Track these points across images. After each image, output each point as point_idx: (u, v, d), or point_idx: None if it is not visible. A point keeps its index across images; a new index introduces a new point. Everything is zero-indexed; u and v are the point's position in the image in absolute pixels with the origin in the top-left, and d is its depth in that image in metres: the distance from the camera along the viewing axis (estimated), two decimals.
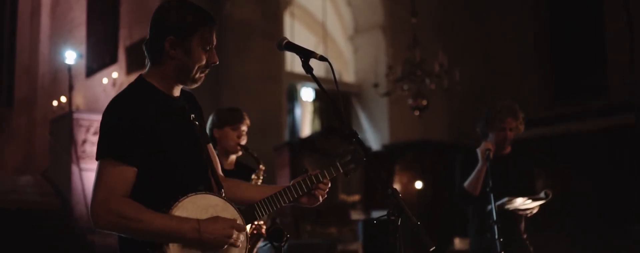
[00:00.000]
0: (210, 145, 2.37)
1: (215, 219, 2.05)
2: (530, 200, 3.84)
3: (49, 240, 8.27)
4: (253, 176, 3.72)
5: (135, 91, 2.13)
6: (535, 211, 3.97)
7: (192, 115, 2.23)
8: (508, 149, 4.19)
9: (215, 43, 2.19)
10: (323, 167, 2.39)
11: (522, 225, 4.08)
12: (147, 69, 2.20)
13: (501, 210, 3.77)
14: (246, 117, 3.73)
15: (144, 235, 1.99)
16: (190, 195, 2.05)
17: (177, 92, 2.22)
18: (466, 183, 4.03)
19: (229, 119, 3.68)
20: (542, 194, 3.81)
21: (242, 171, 3.71)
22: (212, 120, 3.71)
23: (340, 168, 2.40)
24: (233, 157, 3.74)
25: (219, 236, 2.02)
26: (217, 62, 2.20)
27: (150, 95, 2.13)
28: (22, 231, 8.28)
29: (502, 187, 3.82)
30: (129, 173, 2.03)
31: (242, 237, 2.11)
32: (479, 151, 3.94)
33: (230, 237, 2.05)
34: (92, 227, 2.03)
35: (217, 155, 3.72)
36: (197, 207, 2.05)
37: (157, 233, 1.98)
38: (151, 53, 2.17)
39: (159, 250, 1.99)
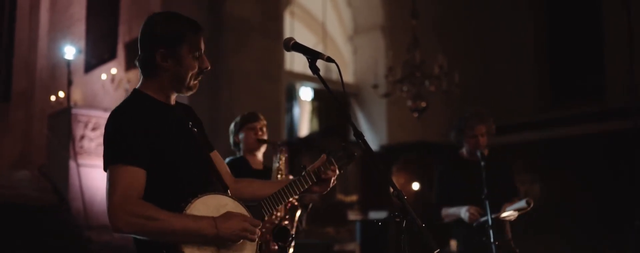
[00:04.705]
0: (216, 153, 2.42)
1: (230, 215, 2.09)
2: (516, 212, 3.94)
3: (46, 235, 8.25)
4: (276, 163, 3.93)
5: (133, 102, 2.19)
6: (513, 217, 4.05)
7: (190, 123, 2.29)
8: (485, 153, 4.24)
9: (203, 49, 2.23)
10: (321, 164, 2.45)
11: (508, 227, 4.16)
12: (140, 82, 2.25)
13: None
14: (261, 117, 4.04)
15: (164, 234, 2.00)
16: (200, 196, 2.08)
17: (173, 100, 2.28)
18: (444, 213, 4.20)
19: (243, 120, 4.02)
20: (523, 203, 3.88)
21: (268, 172, 3.97)
22: (230, 130, 4.06)
23: (334, 163, 2.44)
24: (259, 156, 4.05)
25: (235, 231, 2.06)
26: (209, 68, 2.25)
27: (148, 105, 2.18)
28: (18, 226, 8.25)
29: (482, 191, 3.86)
30: (140, 175, 2.06)
31: (257, 232, 2.15)
32: (466, 216, 4.00)
33: (245, 230, 2.08)
34: (112, 230, 2.03)
35: (245, 156, 3.91)
36: (208, 207, 2.08)
37: (176, 232, 1.99)
38: (144, 67, 2.22)
39: (175, 250, 2.01)
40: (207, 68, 2.24)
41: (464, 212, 4.02)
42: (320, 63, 2.31)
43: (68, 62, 11.18)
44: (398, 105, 10.41)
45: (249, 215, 2.17)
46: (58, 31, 13.85)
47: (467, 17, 11.53)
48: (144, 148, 2.06)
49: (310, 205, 4.08)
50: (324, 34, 12.28)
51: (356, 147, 2.42)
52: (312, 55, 2.28)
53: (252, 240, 2.13)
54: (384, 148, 11.38)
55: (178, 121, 2.25)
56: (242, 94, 9.68)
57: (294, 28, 11.88)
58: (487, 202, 3.79)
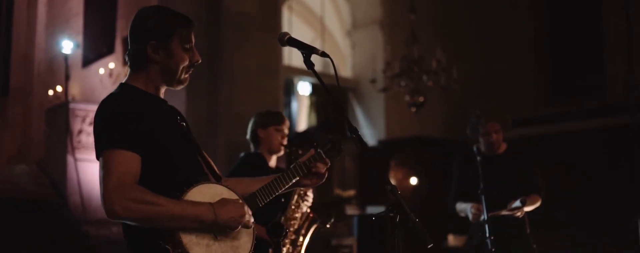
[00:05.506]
0: (202, 151, 2.39)
1: (226, 201, 2.10)
2: (511, 212, 3.97)
3: (43, 230, 8.25)
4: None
5: (123, 93, 2.17)
6: (521, 213, 4.06)
7: (178, 117, 2.29)
8: (503, 148, 4.26)
9: (194, 42, 2.23)
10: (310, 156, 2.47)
11: (526, 222, 4.19)
12: (128, 76, 2.24)
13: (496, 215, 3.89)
14: (286, 119, 3.94)
15: (161, 220, 1.98)
16: (195, 185, 2.09)
17: (162, 94, 2.27)
18: (458, 208, 4.26)
19: (274, 119, 3.89)
20: (518, 203, 3.90)
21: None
22: (256, 121, 3.89)
23: (323, 156, 2.45)
24: (274, 158, 3.93)
25: (233, 216, 2.07)
26: (200, 61, 2.25)
27: (138, 96, 2.17)
28: (16, 221, 8.25)
29: (501, 186, 3.89)
30: (136, 160, 2.03)
31: (252, 219, 2.16)
32: (470, 213, 4.05)
33: (243, 217, 2.10)
34: (107, 217, 1.98)
35: (263, 153, 3.80)
36: (203, 195, 2.09)
37: (175, 217, 1.98)
38: (134, 60, 2.21)
39: (171, 240, 1.99)
40: (198, 61, 2.24)
41: (468, 209, 4.04)
42: (317, 58, 2.31)
43: (66, 57, 11.16)
44: (396, 100, 10.40)
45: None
46: (56, 25, 13.83)
47: (467, 13, 11.51)
48: (138, 135, 2.04)
49: (332, 221, 4.07)
50: (322, 29, 12.25)
51: (351, 141, 2.43)
52: (306, 50, 2.29)
53: (249, 227, 2.14)
54: (382, 143, 11.37)
55: (168, 114, 2.25)
56: (241, 88, 9.66)
57: (292, 23, 11.85)
58: (482, 198, 3.80)
